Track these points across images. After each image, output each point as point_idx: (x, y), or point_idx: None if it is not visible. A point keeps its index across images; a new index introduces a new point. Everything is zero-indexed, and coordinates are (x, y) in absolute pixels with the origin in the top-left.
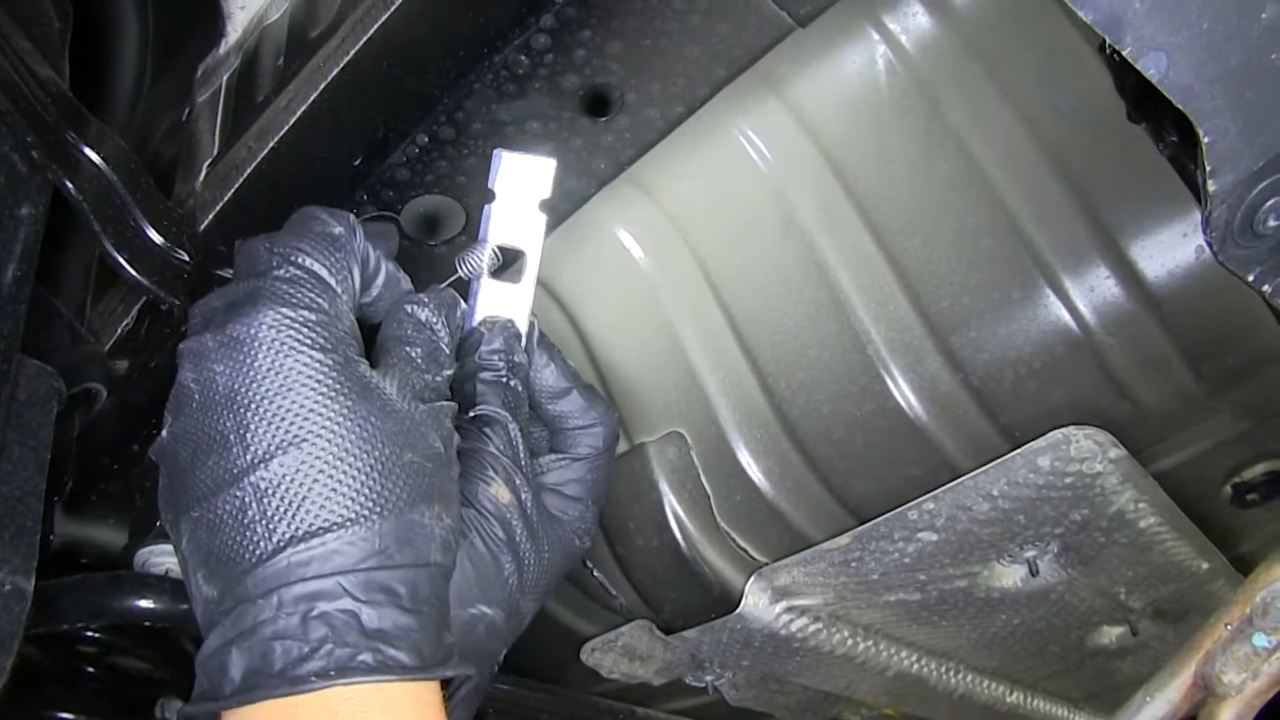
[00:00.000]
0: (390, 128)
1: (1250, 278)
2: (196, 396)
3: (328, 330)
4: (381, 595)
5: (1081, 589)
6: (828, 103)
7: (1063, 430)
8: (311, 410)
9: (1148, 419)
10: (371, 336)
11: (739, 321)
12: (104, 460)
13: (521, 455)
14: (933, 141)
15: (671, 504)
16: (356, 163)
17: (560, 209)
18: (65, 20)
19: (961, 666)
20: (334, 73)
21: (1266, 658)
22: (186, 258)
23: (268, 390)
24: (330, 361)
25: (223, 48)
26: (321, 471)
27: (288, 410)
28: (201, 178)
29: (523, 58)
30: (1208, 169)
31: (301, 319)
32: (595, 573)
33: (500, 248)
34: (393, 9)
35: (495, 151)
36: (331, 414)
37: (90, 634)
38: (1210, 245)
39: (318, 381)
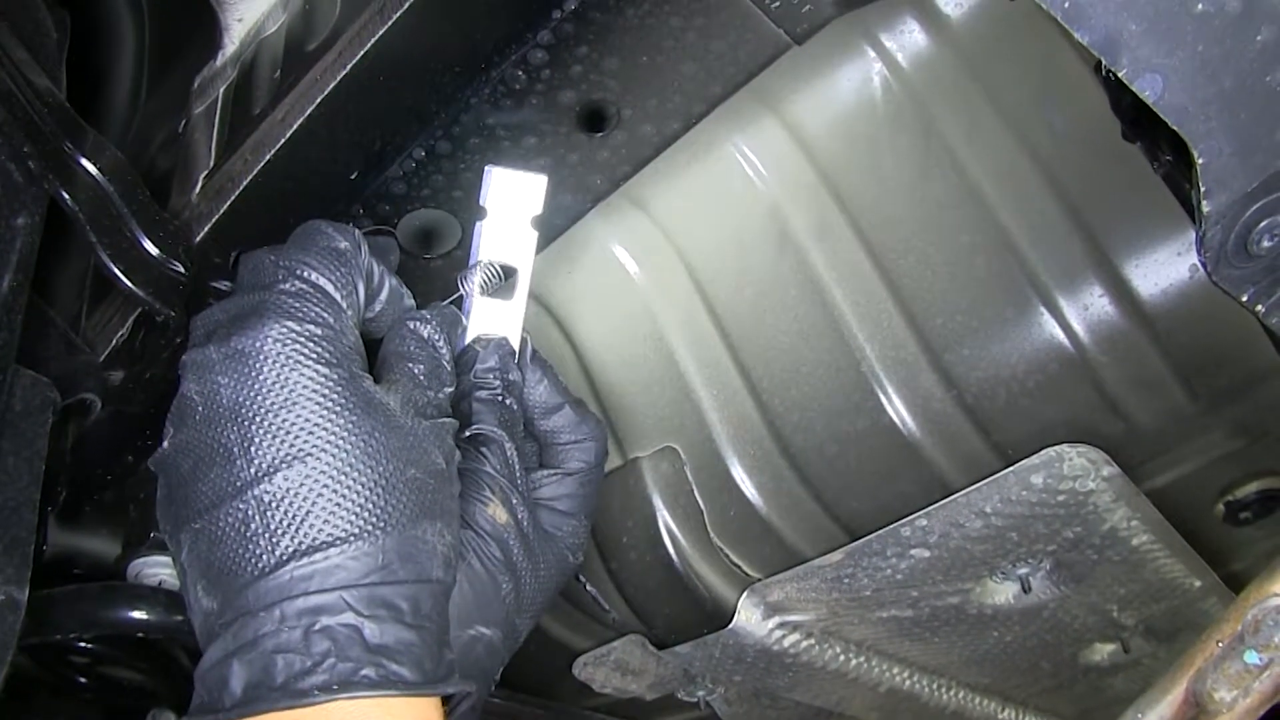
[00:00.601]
0: (387, 141)
1: (1244, 298)
2: (200, 408)
3: (333, 345)
4: (384, 611)
5: (1074, 606)
6: (823, 120)
7: (1056, 448)
8: (316, 425)
9: (1141, 437)
10: (373, 352)
11: (733, 337)
12: (98, 471)
13: (518, 474)
14: (928, 159)
15: (665, 519)
16: (353, 176)
17: (556, 224)
18: (63, 31)
19: (954, 683)
20: (331, 86)
21: (1258, 675)
22: (182, 269)
23: (273, 404)
24: (335, 376)
25: (219, 60)
26: (326, 486)
27: (292, 424)
28: (198, 189)
29: (520, 73)
30: (1202, 189)
31: (307, 333)
32: (588, 587)
33: (498, 265)
34: (390, 23)
35: (486, 168)
36: (336, 429)
37: (83, 644)
38: (1204, 265)
39: (323, 396)
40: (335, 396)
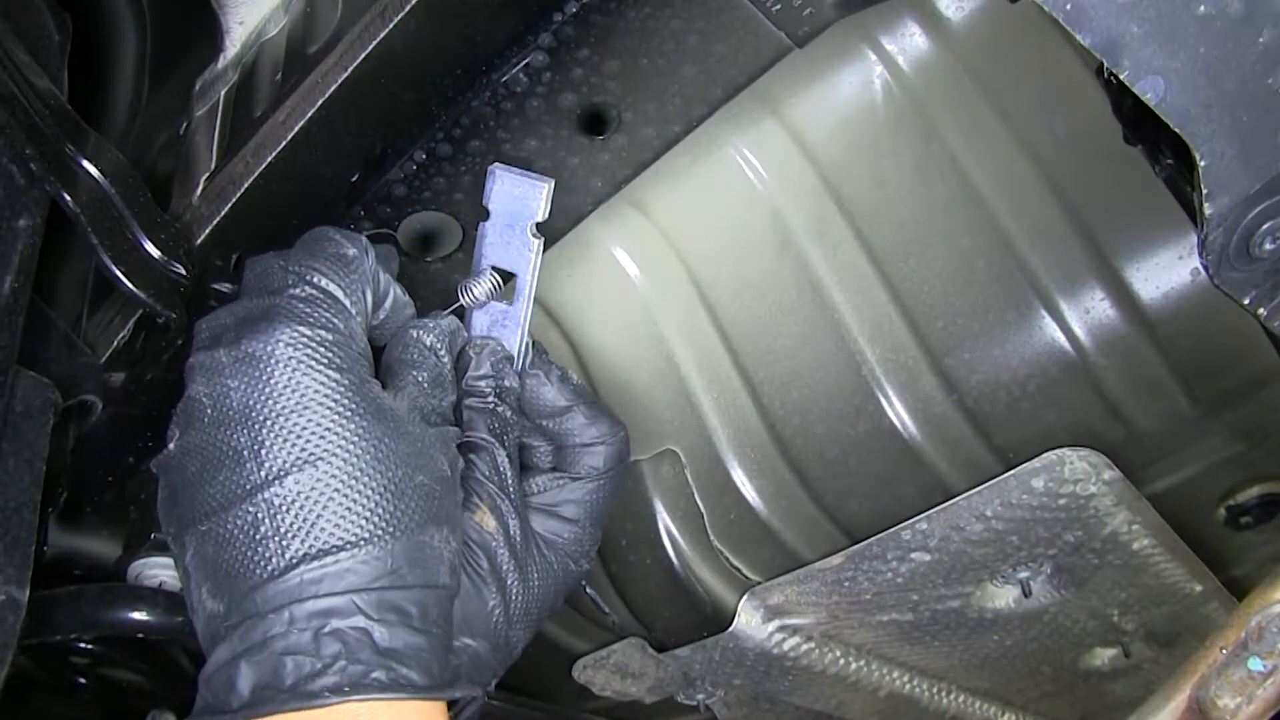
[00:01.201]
0: (388, 144)
1: (1246, 301)
2: (209, 411)
3: (343, 350)
4: (393, 615)
5: (1074, 610)
6: (824, 123)
7: (1057, 451)
8: (328, 429)
9: (1142, 441)
10: (376, 358)
11: (734, 340)
12: (99, 472)
13: (509, 482)
14: (929, 163)
15: (665, 522)
16: (354, 179)
17: (557, 227)
18: (64, 33)
19: (954, 687)
20: (332, 89)
21: (1261, 682)
22: (183, 271)
23: (283, 407)
24: (346, 381)
25: (221, 62)
26: (337, 490)
27: (303, 428)
28: (199, 192)
29: (521, 76)
30: (1204, 192)
31: (319, 338)
32: (588, 590)
33: (495, 269)
34: (391, 26)
35: (491, 168)
36: (347, 434)
37: (83, 645)
38: (1206, 268)
39: (334, 401)
40: (346, 402)
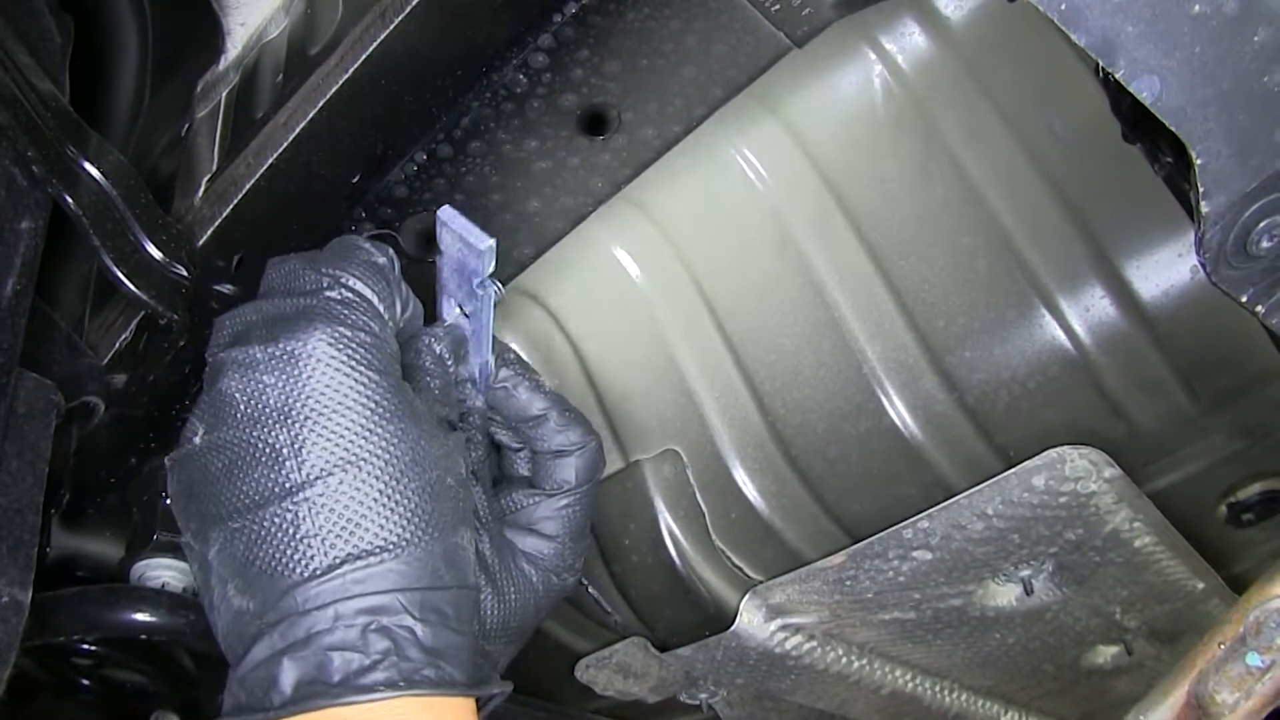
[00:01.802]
0: (389, 145)
1: (1244, 298)
2: (242, 407)
3: (380, 353)
4: (434, 615)
5: (1076, 608)
6: (824, 123)
7: (1057, 449)
8: (369, 430)
9: (1142, 439)
10: None
11: (735, 340)
12: (101, 473)
13: (476, 500)
14: (929, 161)
15: (667, 521)
16: (355, 180)
17: (557, 227)
18: (66, 36)
19: (956, 685)
20: (333, 90)
21: (1260, 677)
22: (185, 272)
23: (324, 407)
24: (385, 384)
25: (222, 64)
26: (380, 491)
27: (345, 428)
28: (200, 193)
29: (521, 77)
30: (1200, 190)
31: (358, 339)
32: (590, 590)
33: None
34: (391, 27)
35: (439, 213)
36: (388, 435)
37: (86, 646)
38: (1204, 266)
39: (374, 402)
40: (385, 403)
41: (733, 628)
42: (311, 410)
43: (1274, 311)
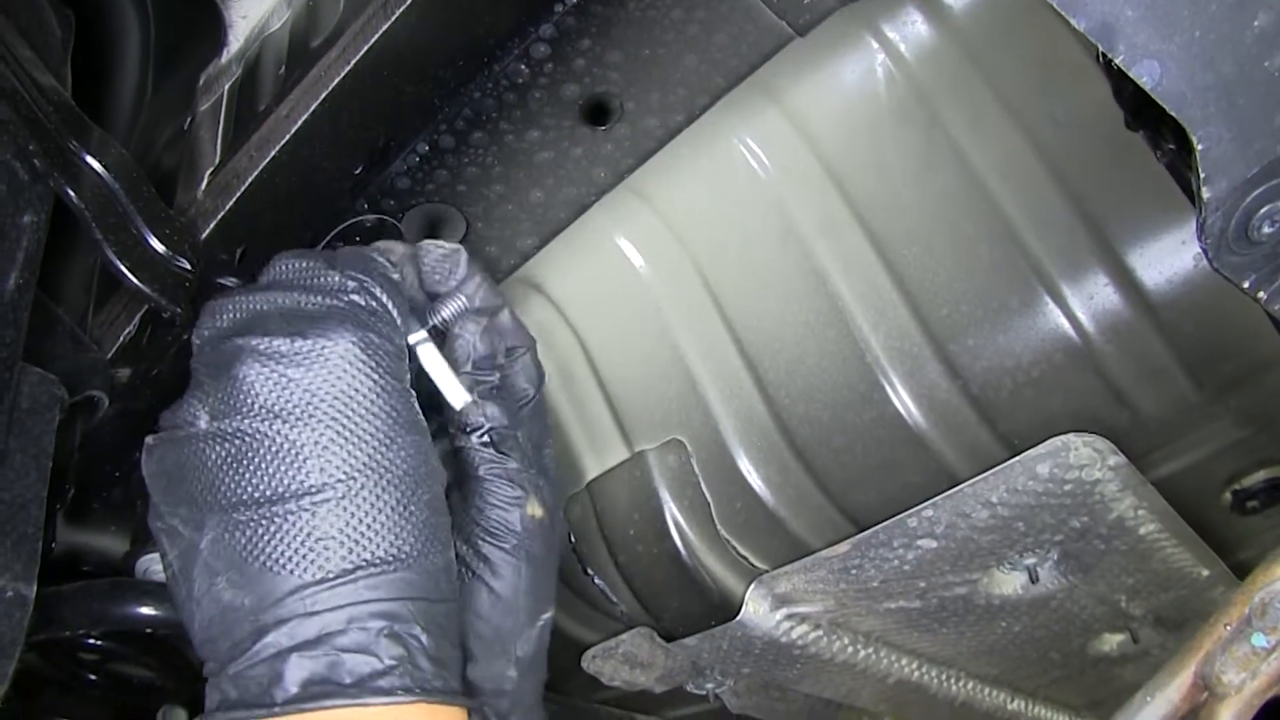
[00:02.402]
0: (391, 137)
1: (1245, 284)
2: (262, 398)
3: (401, 364)
4: (436, 627)
5: (1082, 596)
6: (827, 112)
7: (1062, 437)
8: (391, 440)
9: (1146, 426)
10: None
11: (738, 329)
12: (105, 468)
13: (533, 467)
14: (931, 150)
15: (672, 511)
16: (357, 171)
17: (560, 217)
18: (68, 29)
19: (962, 674)
20: (335, 82)
21: (1265, 657)
22: (188, 266)
23: (351, 410)
24: (405, 395)
25: (224, 57)
26: (398, 501)
27: (369, 435)
28: (203, 186)
29: (523, 67)
30: (1202, 176)
31: (384, 349)
32: (596, 580)
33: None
34: (393, 19)
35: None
36: (406, 446)
37: (91, 641)
38: (1206, 252)
39: (397, 412)
40: (404, 414)
41: (738, 617)
42: (339, 412)
43: (1276, 298)
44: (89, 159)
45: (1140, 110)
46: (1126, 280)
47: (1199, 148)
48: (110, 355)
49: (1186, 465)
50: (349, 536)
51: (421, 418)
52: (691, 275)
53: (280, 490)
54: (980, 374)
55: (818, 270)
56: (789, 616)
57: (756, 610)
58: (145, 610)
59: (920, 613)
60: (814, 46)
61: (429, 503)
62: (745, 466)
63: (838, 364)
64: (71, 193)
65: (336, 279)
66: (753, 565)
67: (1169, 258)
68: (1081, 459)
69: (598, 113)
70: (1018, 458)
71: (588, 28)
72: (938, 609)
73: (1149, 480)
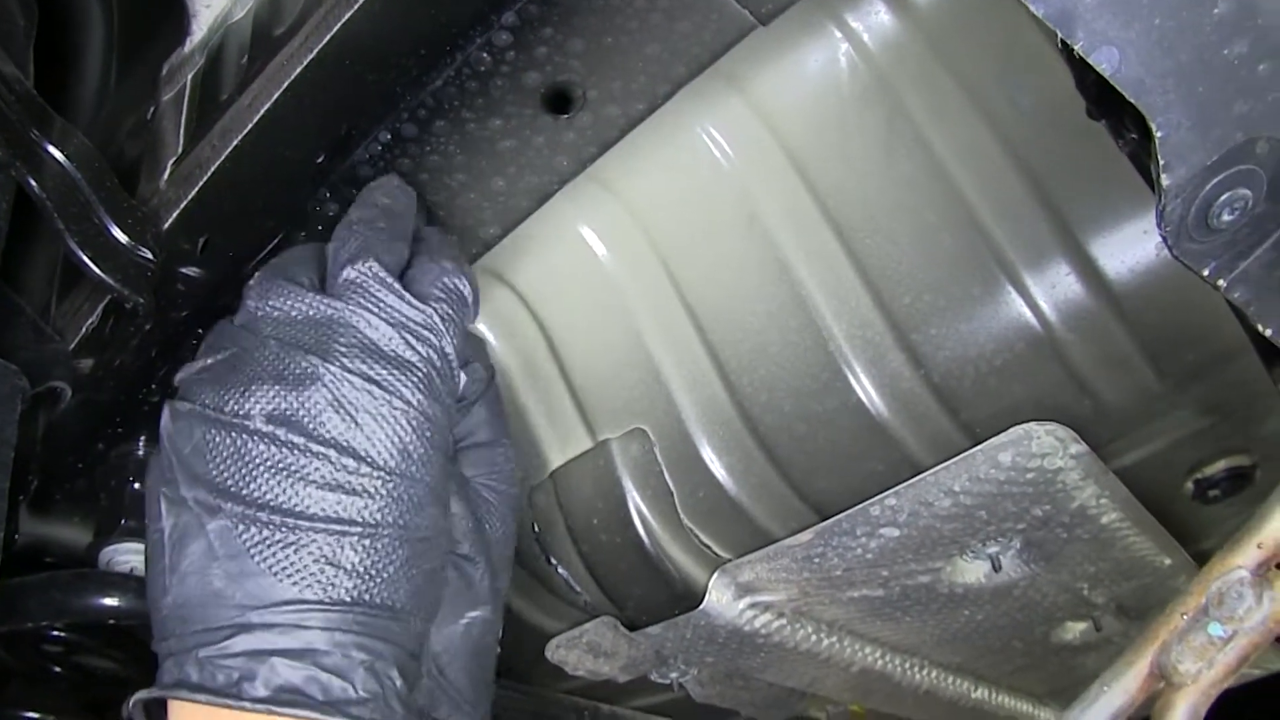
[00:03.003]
0: (353, 125)
1: (1205, 272)
2: (324, 428)
3: (446, 433)
4: (410, 677)
5: (1044, 585)
6: (790, 100)
7: (1024, 426)
8: (420, 508)
9: (1109, 415)
10: None
11: (701, 318)
12: (69, 459)
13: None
14: (894, 139)
15: (635, 500)
16: (320, 160)
17: (523, 206)
18: (30, 18)
19: (926, 662)
20: (297, 71)
21: (1222, 647)
22: (150, 256)
23: (395, 468)
24: (442, 466)
25: (187, 46)
26: (407, 561)
27: (405, 495)
28: (166, 176)
29: (485, 55)
30: (1161, 163)
31: (437, 419)
32: (559, 570)
33: None
34: (355, 7)
35: None
36: (432, 516)
37: (56, 633)
38: (1165, 240)
39: (431, 482)
40: (437, 485)
41: (702, 606)
42: (388, 467)
43: (1235, 285)
44: (51, 149)
45: (1102, 98)
46: (1089, 269)
47: (1158, 135)
48: (73, 346)
49: (1149, 454)
50: (359, 573)
51: (449, 489)
52: (654, 264)
53: (311, 510)
54: (943, 363)
55: (780, 259)
56: (752, 605)
57: (720, 599)
58: (110, 601)
59: (883, 601)
60: (777, 35)
61: (429, 572)
62: (708, 455)
63: (800, 353)
64: (33, 183)
65: (420, 317)
66: (716, 554)
67: (1131, 247)
68: (1043, 447)
69: (560, 101)
70: (980, 446)
71: (550, 15)
72: (901, 597)
73: (1111, 469)
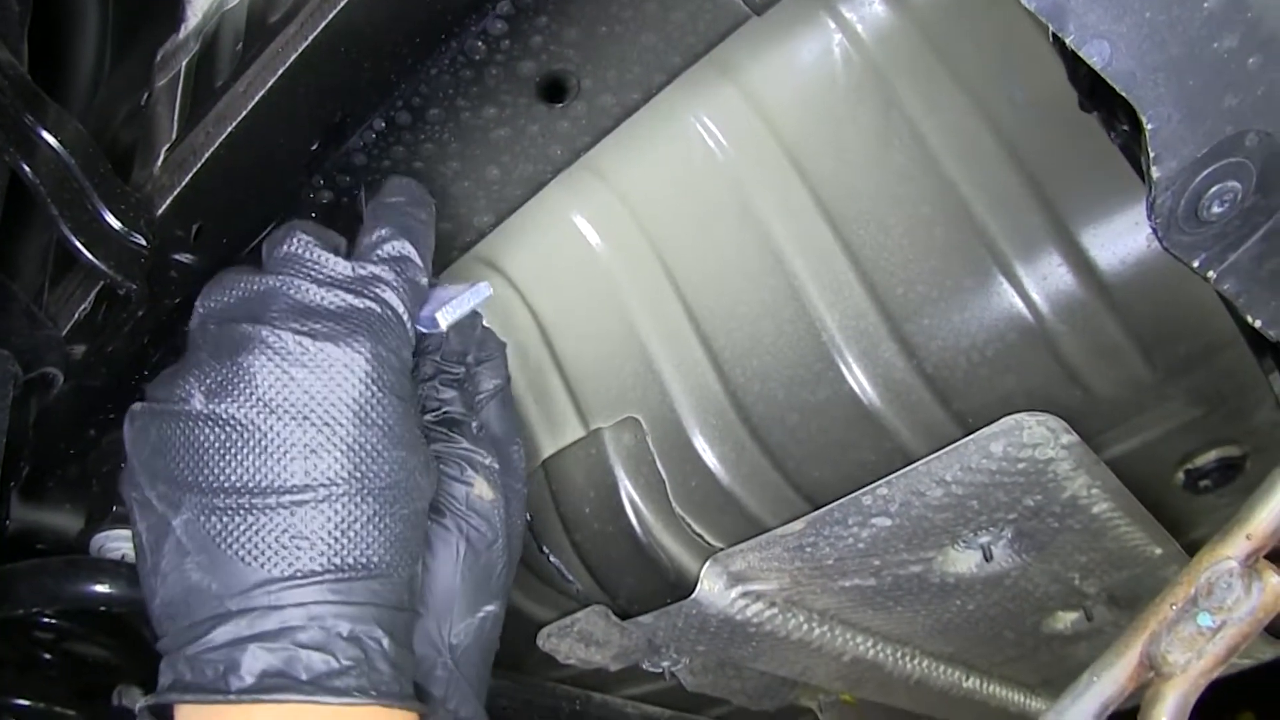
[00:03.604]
0: (347, 113)
1: (1195, 264)
2: (262, 391)
3: (405, 379)
4: (398, 634)
5: (1036, 575)
6: (784, 91)
7: (1015, 416)
8: (380, 453)
9: (1100, 406)
10: None
11: (695, 308)
12: (61, 445)
13: (488, 450)
14: (888, 130)
15: (627, 489)
16: (314, 148)
17: (516, 195)
18: (24, 4)
19: (917, 652)
20: (292, 58)
21: (1211, 637)
22: (144, 242)
23: (346, 419)
24: (404, 411)
25: (182, 32)
26: (375, 513)
27: (360, 445)
28: (159, 162)
29: (479, 44)
30: (1152, 155)
31: (391, 364)
32: (551, 559)
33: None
34: None
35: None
36: (394, 461)
37: (47, 620)
38: (1156, 231)
39: (390, 427)
40: (399, 429)
41: (694, 595)
42: (333, 419)
43: (1225, 277)
44: (45, 134)
45: (1094, 91)
46: (1081, 261)
47: (1149, 127)
48: (66, 332)
49: (1140, 445)
50: (322, 539)
51: (417, 432)
52: (648, 253)
53: (264, 484)
54: (935, 353)
55: (774, 249)
56: (744, 594)
57: (712, 588)
58: (101, 588)
59: (875, 591)
60: (771, 26)
61: (405, 518)
62: (700, 444)
63: (793, 343)
64: (27, 168)
65: (355, 280)
66: (708, 543)
67: (1123, 239)
68: (1035, 438)
69: (554, 90)
70: (971, 436)
71: (545, 4)
72: (892, 587)
73: (1102, 459)
